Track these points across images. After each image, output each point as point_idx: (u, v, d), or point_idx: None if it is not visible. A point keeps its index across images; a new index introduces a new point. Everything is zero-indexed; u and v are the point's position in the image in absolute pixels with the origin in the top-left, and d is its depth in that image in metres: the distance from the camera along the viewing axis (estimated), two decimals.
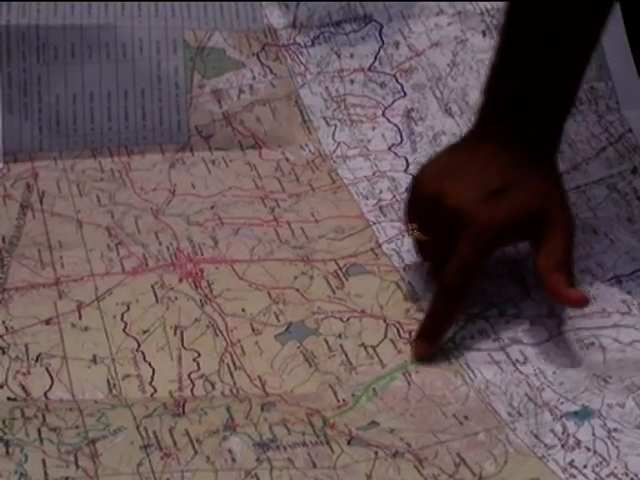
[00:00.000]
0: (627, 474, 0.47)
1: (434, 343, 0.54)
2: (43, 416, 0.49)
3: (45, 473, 0.45)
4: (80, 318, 0.56)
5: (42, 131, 0.69)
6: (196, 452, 0.47)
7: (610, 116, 0.69)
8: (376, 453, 0.48)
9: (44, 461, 0.46)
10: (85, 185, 0.67)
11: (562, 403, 0.51)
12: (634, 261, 0.60)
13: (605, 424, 0.50)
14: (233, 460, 0.47)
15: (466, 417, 0.51)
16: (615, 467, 0.47)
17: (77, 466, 0.46)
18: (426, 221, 0.56)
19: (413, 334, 0.56)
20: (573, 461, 0.48)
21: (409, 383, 0.53)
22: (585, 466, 0.47)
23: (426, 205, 0.55)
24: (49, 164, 0.68)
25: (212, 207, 0.65)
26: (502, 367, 0.54)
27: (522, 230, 0.54)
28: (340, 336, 0.56)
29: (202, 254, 0.61)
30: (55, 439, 0.47)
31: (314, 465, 0.47)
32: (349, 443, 0.49)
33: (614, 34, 0.70)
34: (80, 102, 0.69)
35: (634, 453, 0.48)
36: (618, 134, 0.68)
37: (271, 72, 0.71)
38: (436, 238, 0.56)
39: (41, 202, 0.65)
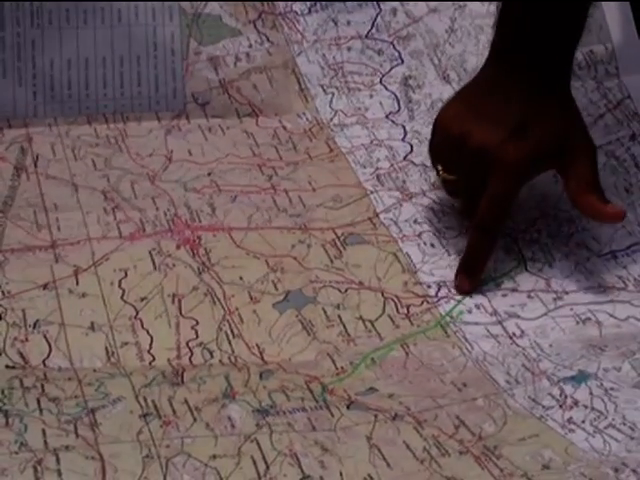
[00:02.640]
0: (625, 423, 0.48)
1: (475, 278, 0.57)
2: (42, 386, 0.49)
3: (45, 442, 0.45)
4: (77, 284, 0.56)
5: (36, 97, 0.68)
6: (195, 419, 0.48)
7: (609, 82, 0.68)
8: (375, 416, 0.48)
9: (44, 431, 0.46)
10: (80, 150, 0.66)
11: (559, 370, 0.52)
12: (630, 235, 0.60)
13: (602, 384, 0.50)
14: (232, 426, 0.47)
15: (464, 384, 0.51)
16: (613, 419, 0.48)
17: (77, 435, 0.46)
18: (452, 161, 0.58)
19: (411, 309, 0.56)
20: (571, 418, 0.48)
21: (407, 354, 0.53)
22: (583, 421, 0.48)
23: (451, 146, 0.57)
24: (43, 130, 0.67)
25: (209, 174, 0.65)
26: (499, 340, 0.54)
27: (548, 160, 0.57)
28: (338, 307, 0.56)
29: (200, 221, 0.61)
30: (54, 409, 0.47)
31: (314, 428, 0.47)
32: (348, 407, 0.49)
33: None
34: (75, 68, 0.68)
35: (632, 407, 0.49)
36: (617, 100, 0.67)
37: (268, 40, 0.70)
38: (463, 176, 0.58)
39: (35, 165, 0.65)
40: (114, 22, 0.69)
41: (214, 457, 0.45)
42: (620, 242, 0.60)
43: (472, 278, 0.57)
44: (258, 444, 0.46)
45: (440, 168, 0.59)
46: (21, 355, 0.51)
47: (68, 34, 0.68)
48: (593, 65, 0.70)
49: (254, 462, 0.45)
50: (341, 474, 0.45)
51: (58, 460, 0.44)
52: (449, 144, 0.58)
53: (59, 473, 0.44)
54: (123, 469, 0.44)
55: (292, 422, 0.47)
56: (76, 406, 0.48)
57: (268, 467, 0.45)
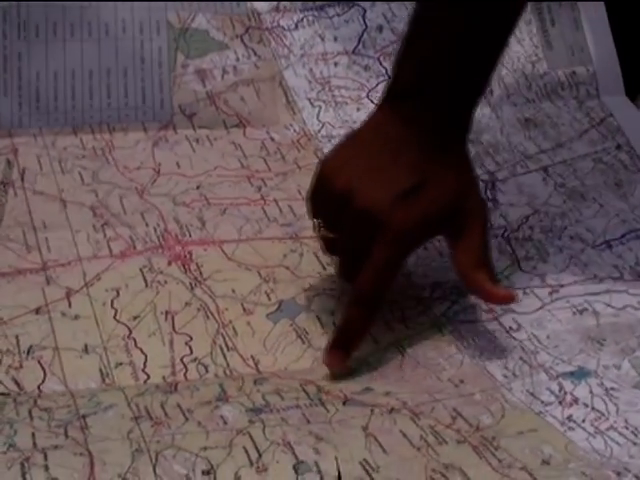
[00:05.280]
0: (627, 427, 0.46)
1: (347, 354, 0.51)
2: (34, 400, 0.48)
3: (34, 443, 0.44)
4: (70, 306, 0.55)
5: (22, 107, 0.68)
6: (187, 419, 0.46)
7: (590, 102, 0.70)
8: (372, 410, 0.47)
9: (33, 434, 0.45)
10: (67, 162, 0.66)
11: (557, 364, 0.51)
12: (624, 223, 0.60)
13: (602, 383, 0.49)
14: (225, 423, 0.46)
15: (461, 381, 0.50)
16: (615, 421, 0.47)
17: (66, 436, 0.45)
18: (334, 218, 0.52)
19: (405, 312, 0.55)
20: (571, 416, 0.47)
21: (403, 355, 0.53)
22: (584, 420, 0.47)
23: (334, 202, 0.51)
24: (29, 140, 0.67)
25: (198, 187, 0.64)
26: (496, 335, 0.53)
27: (437, 227, 0.52)
28: (332, 313, 0.55)
29: (190, 236, 0.61)
30: (45, 416, 0.46)
31: (308, 422, 0.46)
32: (344, 404, 0.48)
33: (595, 19, 0.71)
34: (61, 79, 0.68)
35: (633, 410, 0.47)
36: (599, 118, 0.69)
37: (255, 54, 0.71)
38: (345, 236, 0.52)
39: (22, 179, 0.64)
40: (101, 35, 0.69)
41: (205, 449, 0.44)
42: (614, 231, 0.60)
43: (345, 355, 0.51)
44: (250, 436, 0.45)
45: (320, 224, 0.53)
46: (16, 382, 0.50)
47: (55, 47, 0.69)
48: (575, 86, 0.71)
49: (246, 451, 0.44)
50: (336, 459, 0.43)
51: (46, 457, 0.43)
52: (332, 200, 0.51)
53: (46, 468, 0.42)
54: (112, 462, 0.43)
55: (286, 418, 0.46)
56: (67, 413, 0.47)
57: (260, 455, 0.43)
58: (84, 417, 0.46)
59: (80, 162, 0.66)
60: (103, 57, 0.69)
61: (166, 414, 0.47)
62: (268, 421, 0.46)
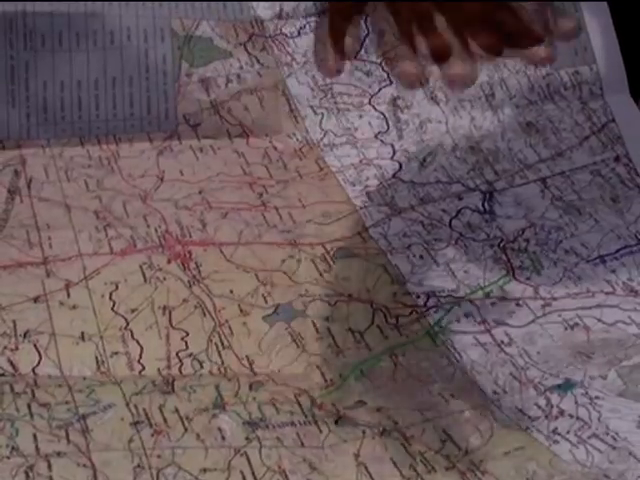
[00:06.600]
0: (608, 433, 0.48)
1: None
2: (32, 392, 0.50)
3: (36, 447, 0.46)
4: (68, 296, 0.57)
5: (29, 118, 0.69)
6: (186, 430, 0.48)
7: (594, 103, 0.70)
8: (364, 432, 0.49)
9: (35, 435, 0.46)
10: (73, 171, 0.67)
11: (546, 379, 0.52)
12: (619, 239, 0.61)
13: (587, 393, 0.51)
14: (223, 438, 0.48)
15: (452, 395, 0.51)
16: (596, 429, 0.48)
17: (68, 441, 0.46)
18: None
19: (400, 319, 0.56)
20: (556, 429, 0.49)
21: (395, 364, 0.54)
22: (568, 432, 0.48)
23: None
24: (37, 151, 0.68)
25: (200, 192, 0.66)
26: (487, 348, 0.55)
27: None
28: (327, 319, 0.56)
29: (190, 236, 0.62)
30: (45, 414, 0.48)
31: (302, 444, 0.48)
32: (337, 423, 0.49)
33: (598, 16, 0.71)
34: (68, 90, 0.69)
35: (615, 417, 0.49)
36: (601, 123, 0.69)
37: (258, 62, 0.71)
38: None
39: (29, 187, 0.65)
40: (107, 44, 0.70)
41: (204, 470, 0.46)
42: (609, 246, 0.61)
43: None
44: (248, 458, 0.47)
45: None
46: (11, 363, 0.52)
47: (61, 57, 0.69)
48: (578, 85, 0.71)
49: (243, 477, 0.46)
50: None
51: (50, 466, 0.45)
52: None
53: (50, 479, 0.44)
54: (114, 478, 0.45)
55: (281, 437, 0.48)
56: (67, 411, 0.48)
57: None
58: (84, 417, 0.48)
59: (86, 171, 0.67)
60: (109, 66, 0.69)
61: (165, 420, 0.48)
62: (264, 440, 0.48)
